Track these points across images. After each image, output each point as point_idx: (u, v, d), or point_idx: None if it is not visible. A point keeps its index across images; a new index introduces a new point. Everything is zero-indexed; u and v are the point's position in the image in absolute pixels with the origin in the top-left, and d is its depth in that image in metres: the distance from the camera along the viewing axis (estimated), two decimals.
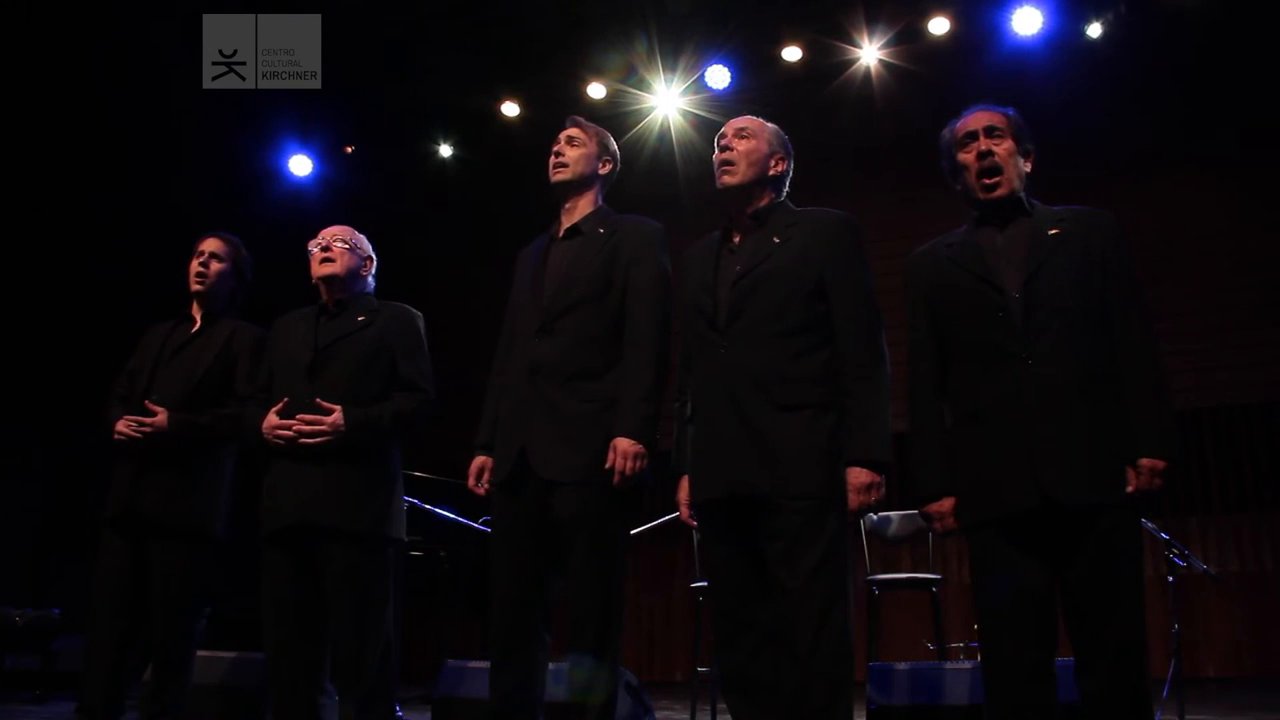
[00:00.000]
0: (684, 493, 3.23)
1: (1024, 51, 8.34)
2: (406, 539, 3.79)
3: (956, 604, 8.06)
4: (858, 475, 2.95)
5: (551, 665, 3.42)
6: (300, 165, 10.12)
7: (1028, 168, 3.04)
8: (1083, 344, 2.83)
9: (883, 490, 2.98)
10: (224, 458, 4.07)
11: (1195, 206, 8.50)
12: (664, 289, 3.37)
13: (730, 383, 3.03)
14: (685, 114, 9.41)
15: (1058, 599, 2.85)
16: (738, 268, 3.14)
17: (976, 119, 3.04)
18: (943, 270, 3.03)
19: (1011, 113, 3.08)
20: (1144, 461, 2.75)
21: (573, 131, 3.56)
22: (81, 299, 9.14)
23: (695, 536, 5.96)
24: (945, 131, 3.13)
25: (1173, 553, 4.68)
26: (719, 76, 9.05)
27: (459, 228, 10.38)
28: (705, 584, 5.43)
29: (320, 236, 3.86)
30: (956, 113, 3.14)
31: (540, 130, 9.06)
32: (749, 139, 3.24)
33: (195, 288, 4.16)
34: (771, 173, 3.25)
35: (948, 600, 6.45)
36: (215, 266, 4.17)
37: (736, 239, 3.25)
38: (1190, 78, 8.44)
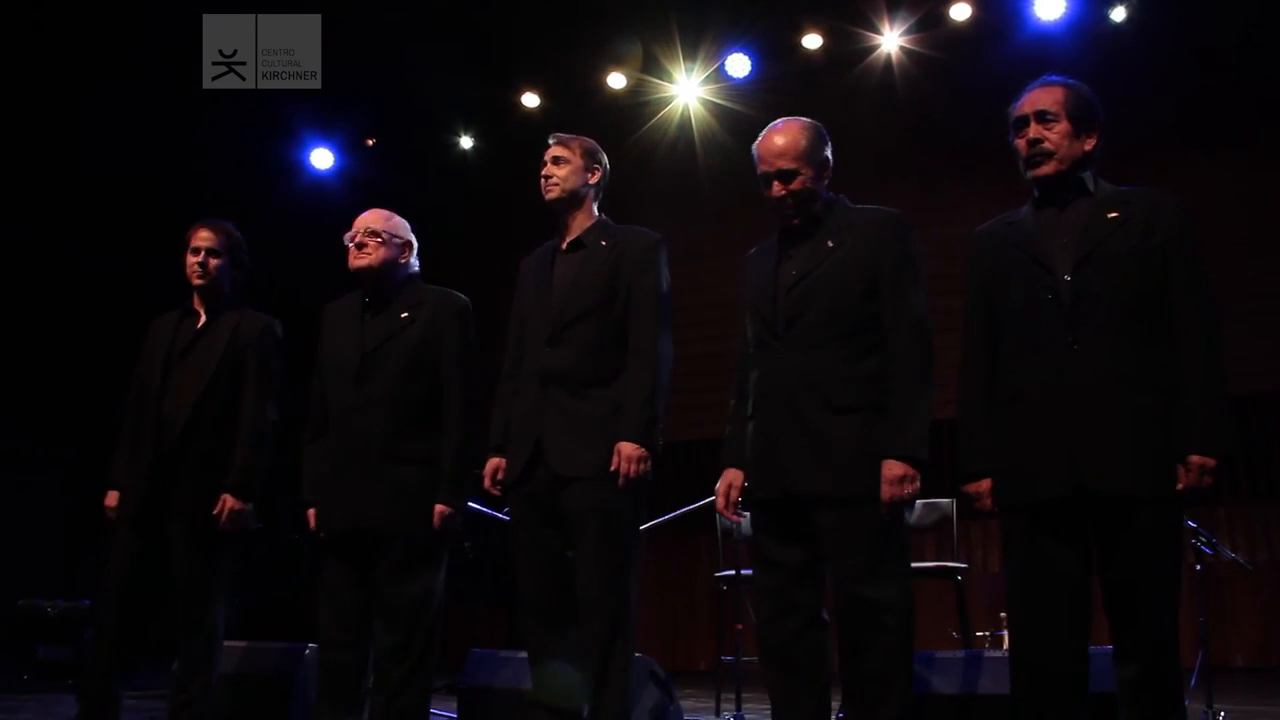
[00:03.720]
0: (723, 484, 3.27)
1: (1046, 37, 8.26)
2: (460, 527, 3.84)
3: (981, 593, 8.04)
4: (891, 468, 2.97)
5: None
6: (321, 159, 10.16)
7: (1089, 146, 2.94)
8: (1132, 332, 2.78)
9: (917, 484, 3.00)
10: None
11: (1219, 191, 8.41)
12: (664, 298, 3.51)
13: (788, 386, 3.08)
14: (705, 103, 9.39)
15: (1094, 587, 2.83)
16: (793, 272, 3.16)
17: (1031, 101, 2.98)
18: (1000, 249, 3.01)
19: (1071, 87, 2.99)
20: (1194, 458, 2.71)
21: (556, 150, 3.62)
22: (104, 294, 9.20)
23: (719, 526, 5.97)
24: (1010, 108, 3.06)
25: (1200, 541, 4.65)
26: (739, 65, 9.02)
27: (480, 219, 10.39)
28: (729, 574, 5.44)
29: (354, 228, 3.82)
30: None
31: (561, 121, 9.06)
32: (795, 160, 3.15)
33: (196, 283, 4.12)
34: (826, 176, 3.22)
35: (972, 589, 6.43)
36: (214, 262, 4.11)
37: (792, 242, 3.25)
38: (1214, 60, 8.35)
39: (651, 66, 9.16)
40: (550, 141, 3.65)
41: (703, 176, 9.20)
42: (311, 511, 3.76)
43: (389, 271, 3.80)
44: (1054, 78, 3.02)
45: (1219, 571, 7.65)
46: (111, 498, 4.03)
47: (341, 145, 10.22)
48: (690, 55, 9.07)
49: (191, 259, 4.12)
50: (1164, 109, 8.41)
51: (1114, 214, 2.87)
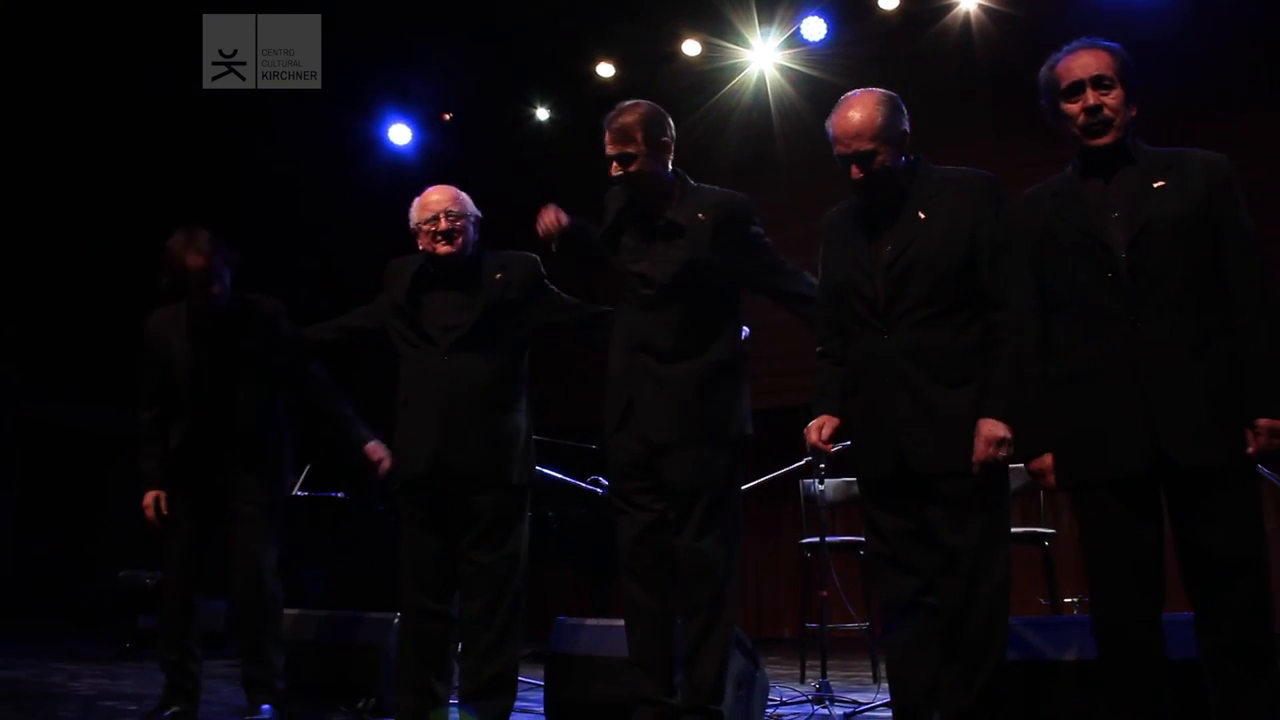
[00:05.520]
0: (815, 423, 3.27)
1: None
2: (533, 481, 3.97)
3: (1068, 558, 7.92)
4: (992, 428, 2.97)
5: None
6: (400, 134, 10.27)
7: (1134, 112, 2.87)
8: (1193, 302, 2.73)
9: (1012, 448, 2.99)
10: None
11: None
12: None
13: (895, 363, 3.06)
14: (781, 68, 9.29)
15: (1167, 556, 2.80)
16: (888, 248, 3.11)
17: (1083, 65, 2.87)
18: (1048, 223, 2.92)
19: (1118, 51, 2.90)
20: (1262, 422, 2.66)
21: (620, 148, 3.47)
22: None
23: (802, 494, 5.96)
24: (1046, 70, 2.96)
25: None
26: (815, 28, 8.90)
27: (558, 190, 10.41)
28: (813, 540, 5.44)
29: (430, 211, 3.80)
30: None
31: (635, 89, 9.00)
32: (873, 140, 3.07)
33: (209, 314, 4.10)
34: (905, 151, 3.15)
35: (1059, 554, 6.34)
36: (216, 289, 4.06)
37: (879, 214, 3.19)
38: None
39: (726, 32, 9.09)
40: (607, 131, 3.49)
41: (778, 143, 9.12)
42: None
43: (465, 250, 3.84)
44: (1098, 40, 2.93)
45: None
46: (149, 500, 4.16)
47: (419, 121, 10.32)
48: (766, 19, 8.98)
49: (197, 289, 4.04)
50: (1253, 64, 8.12)
51: (1160, 183, 2.80)
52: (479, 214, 3.92)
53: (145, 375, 4.22)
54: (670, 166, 3.55)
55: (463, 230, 3.80)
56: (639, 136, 3.44)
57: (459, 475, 3.71)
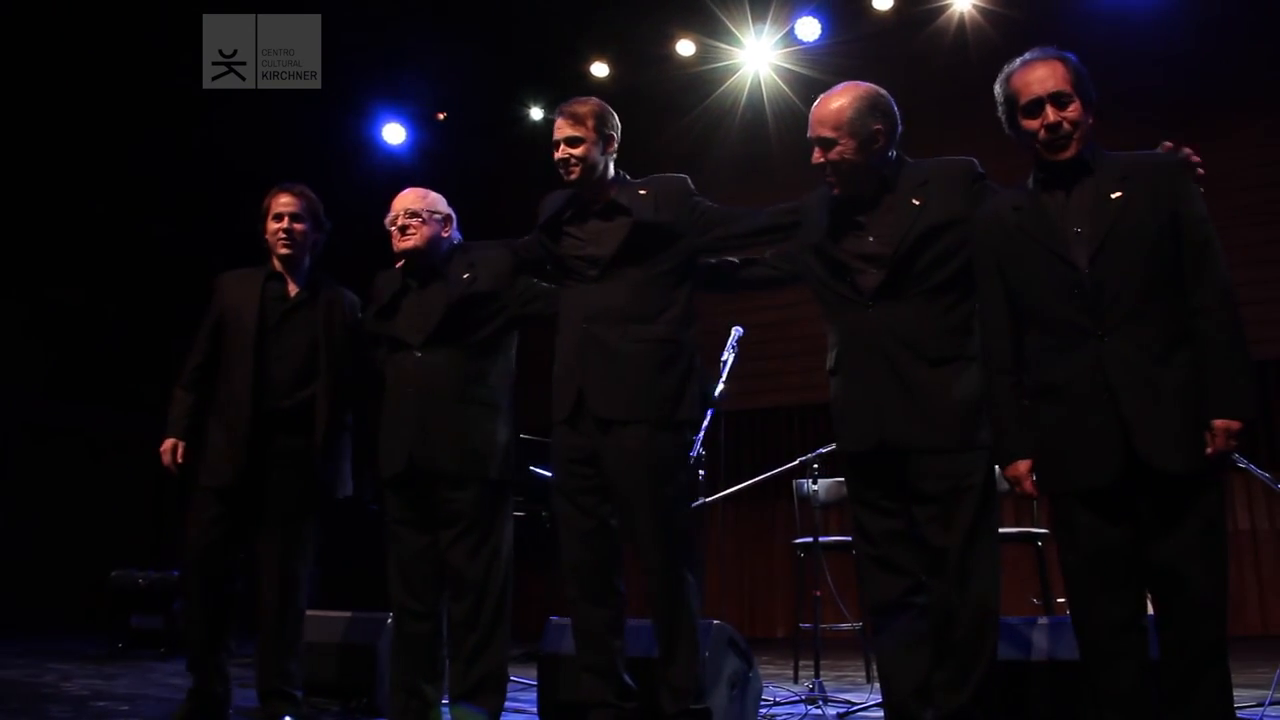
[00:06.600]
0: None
1: None
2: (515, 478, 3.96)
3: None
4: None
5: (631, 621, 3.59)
6: (394, 134, 10.25)
7: (1091, 121, 2.89)
8: (1157, 311, 2.75)
9: None
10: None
11: None
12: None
13: (879, 340, 3.11)
14: (775, 68, 9.30)
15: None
16: (871, 238, 3.16)
17: (1041, 82, 2.89)
18: (1012, 238, 2.94)
19: (1073, 61, 2.93)
20: (1218, 423, 2.68)
21: (569, 130, 3.61)
22: (181, 274, 9.41)
23: (796, 493, 5.97)
24: (1002, 83, 3.00)
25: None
26: (809, 28, 8.91)
27: (551, 188, 10.41)
28: (807, 540, 5.44)
29: (392, 210, 3.91)
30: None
31: (630, 89, 9.03)
32: (834, 130, 3.16)
33: (282, 252, 4.09)
34: (877, 147, 3.18)
35: (1052, 555, 6.35)
36: (298, 228, 4.11)
37: (864, 206, 3.23)
38: None
39: (721, 32, 9.09)
40: (559, 117, 3.64)
41: (773, 143, 9.13)
42: None
43: (434, 248, 3.90)
44: (1049, 50, 2.96)
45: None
46: (169, 445, 4.01)
47: (413, 120, 10.30)
48: (760, 19, 8.98)
49: (275, 225, 4.11)
50: (1256, 64, 8.13)
51: (1116, 194, 2.82)
52: (451, 213, 3.99)
53: (203, 325, 4.15)
54: (612, 164, 3.66)
55: (421, 226, 3.87)
56: (590, 124, 3.58)
57: (435, 472, 3.72)
